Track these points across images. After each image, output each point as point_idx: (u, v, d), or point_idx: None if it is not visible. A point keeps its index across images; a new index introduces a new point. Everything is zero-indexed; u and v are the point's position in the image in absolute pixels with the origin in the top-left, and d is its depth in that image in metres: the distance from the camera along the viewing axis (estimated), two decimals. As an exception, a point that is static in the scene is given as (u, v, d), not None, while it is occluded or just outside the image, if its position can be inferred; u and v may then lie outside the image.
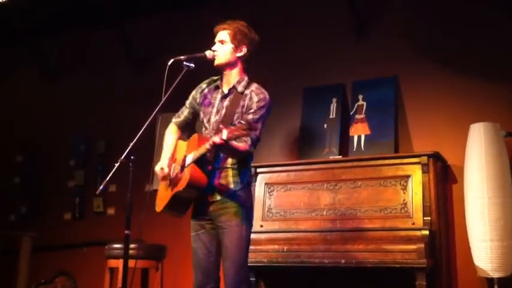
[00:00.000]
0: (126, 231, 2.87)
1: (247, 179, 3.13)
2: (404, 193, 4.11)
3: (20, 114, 6.58)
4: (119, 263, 4.02)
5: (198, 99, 3.29)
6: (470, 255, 4.05)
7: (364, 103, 4.79)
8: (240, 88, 3.13)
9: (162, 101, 3.03)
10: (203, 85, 3.32)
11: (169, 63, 3.06)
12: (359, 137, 4.70)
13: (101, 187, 2.87)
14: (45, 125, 6.41)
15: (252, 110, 3.05)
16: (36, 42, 6.48)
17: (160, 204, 3.20)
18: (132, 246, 3.62)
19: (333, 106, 4.91)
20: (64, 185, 6.16)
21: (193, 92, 3.33)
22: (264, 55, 4.86)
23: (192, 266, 3.13)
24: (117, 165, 2.85)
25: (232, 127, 2.70)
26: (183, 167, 3.07)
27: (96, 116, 6.16)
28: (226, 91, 3.18)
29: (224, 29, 3.18)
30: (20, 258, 5.68)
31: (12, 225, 6.23)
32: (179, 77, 3.06)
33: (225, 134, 2.67)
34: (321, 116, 4.91)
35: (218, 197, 3.04)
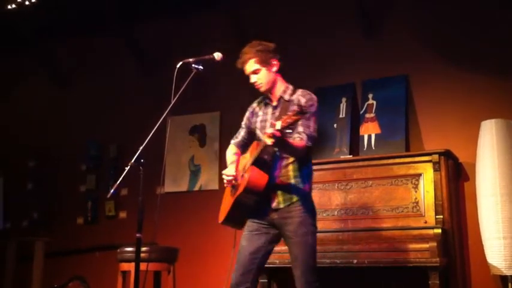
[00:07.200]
0: (138, 235, 2.88)
1: (309, 185, 3.12)
2: (416, 192, 4.09)
3: (32, 120, 6.61)
4: (131, 267, 4.02)
5: (251, 119, 3.32)
6: (484, 253, 4.03)
7: (374, 102, 4.77)
8: (286, 96, 3.15)
9: (172, 104, 3.04)
10: (254, 104, 3.36)
11: (178, 65, 3.07)
12: (369, 136, 4.68)
13: (112, 190, 2.89)
14: (56, 131, 6.44)
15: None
16: (45, 48, 6.52)
17: (222, 214, 3.20)
18: (143, 249, 3.62)
19: (343, 106, 4.89)
20: (76, 190, 6.20)
21: (247, 113, 3.36)
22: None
23: (235, 262, 3.10)
24: (127, 168, 2.86)
25: (284, 116, 2.65)
26: (244, 173, 3.08)
27: (107, 120, 6.19)
28: (275, 103, 3.20)
29: (249, 59, 3.15)
30: (34, 264, 5.71)
31: (25, 231, 6.26)
32: (188, 80, 3.07)
33: (278, 124, 2.63)
34: (330, 116, 4.88)
35: (282, 205, 3.04)
